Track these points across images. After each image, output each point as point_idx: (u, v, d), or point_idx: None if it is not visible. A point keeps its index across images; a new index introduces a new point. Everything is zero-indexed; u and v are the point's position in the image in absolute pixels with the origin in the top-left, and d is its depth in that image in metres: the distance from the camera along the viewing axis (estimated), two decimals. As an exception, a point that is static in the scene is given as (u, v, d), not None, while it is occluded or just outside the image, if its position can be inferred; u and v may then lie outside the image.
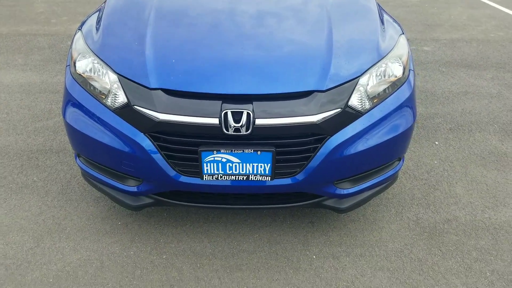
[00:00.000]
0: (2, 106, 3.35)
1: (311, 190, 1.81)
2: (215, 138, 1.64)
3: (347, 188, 1.86)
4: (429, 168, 2.68)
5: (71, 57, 1.94)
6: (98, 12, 2.20)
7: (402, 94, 1.87)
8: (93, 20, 2.12)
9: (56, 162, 2.68)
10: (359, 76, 1.74)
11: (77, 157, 2.00)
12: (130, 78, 1.70)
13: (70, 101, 1.87)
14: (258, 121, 1.60)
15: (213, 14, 2.02)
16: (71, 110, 1.86)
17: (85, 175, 2.01)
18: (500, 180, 2.58)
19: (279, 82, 1.66)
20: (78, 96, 1.84)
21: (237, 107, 1.59)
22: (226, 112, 1.59)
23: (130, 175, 1.82)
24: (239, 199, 1.88)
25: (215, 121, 1.60)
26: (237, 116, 1.59)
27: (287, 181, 1.73)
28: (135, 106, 1.66)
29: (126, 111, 1.69)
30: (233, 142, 1.64)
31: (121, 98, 1.71)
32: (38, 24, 5.41)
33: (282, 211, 2.25)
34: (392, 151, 1.88)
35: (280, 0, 2.15)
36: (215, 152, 1.64)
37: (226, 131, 1.60)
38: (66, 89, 1.90)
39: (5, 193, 2.40)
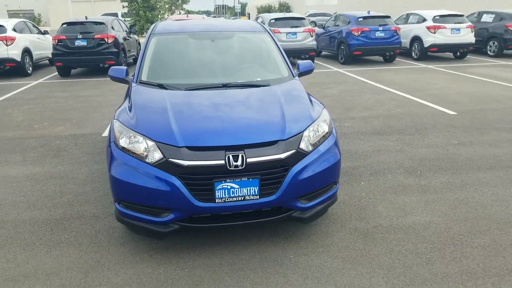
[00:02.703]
0: (17, 191, 4.02)
1: (284, 205, 2.78)
2: (222, 173, 2.61)
3: (306, 203, 2.86)
4: (359, 198, 3.77)
5: (115, 136, 2.88)
6: (126, 105, 3.21)
7: (330, 141, 3.02)
8: (124, 111, 3.12)
9: (79, 224, 3.38)
10: (302, 131, 2.87)
11: (118, 204, 2.82)
12: (164, 142, 2.67)
13: (116, 163, 2.76)
14: (249, 160, 2.62)
15: (210, 101, 3.14)
16: (117, 168, 2.74)
17: (124, 216, 2.81)
18: (407, 200, 3.72)
19: (259, 136, 2.73)
20: (123, 159, 2.74)
21: (235, 153, 2.61)
22: (229, 156, 2.60)
23: (163, 208, 2.68)
24: (237, 217, 2.78)
25: (222, 162, 2.59)
26: (235, 158, 2.60)
27: (268, 198, 2.70)
28: (169, 159, 2.61)
29: (162, 163, 2.63)
30: (234, 174, 2.62)
31: (158, 156, 2.65)
32: (22, 130, 6.18)
33: (265, 232, 3.15)
34: (329, 176, 2.96)
35: (249, 94, 3.33)
36: (223, 181, 2.60)
37: (229, 168, 2.59)
38: (112, 155, 2.80)
39: (46, 248, 3.05)
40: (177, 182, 2.60)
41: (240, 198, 2.66)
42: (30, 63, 11.70)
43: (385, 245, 3.02)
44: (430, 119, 6.41)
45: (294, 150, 2.75)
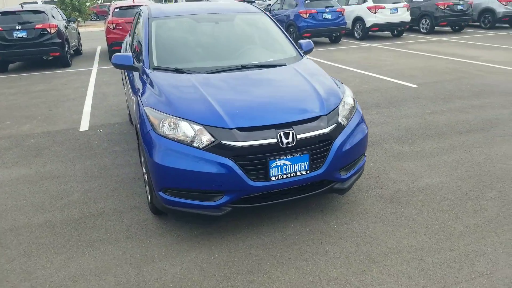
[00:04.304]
0: (14, 195, 3.66)
1: (328, 177, 2.88)
2: (275, 151, 2.63)
3: (345, 174, 2.99)
4: (369, 168, 4.00)
5: (152, 124, 2.75)
6: (149, 91, 3.07)
7: (357, 115, 3.16)
8: (151, 97, 2.98)
9: (104, 221, 3.20)
10: (337, 106, 2.98)
11: (164, 192, 2.72)
12: (213, 125, 2.62)
13: (160, 150, 2.65)
14: (299, 136, 2.67)
15: (239, 82, 3.11)
16: (163, 156, 2.64)
17: (171, 204, 2.73)
18: (411, 166, 4.02)
19: (304, 113, 2.78)
20: (168, 146, 2.64)
21: (285, 130, 2.65)
22: (280, 133, 2.63)
23: (216, 191, 2.64)
24: (285, 194, 2.83)
25: (274, 140, 2.61)
26: (286, 135, 2.64)
27: (316, 172, 2.79)
28: (222, 142, 2.57)
29: (213, 147, 2.58)
30: (286, 151, 2.66)
31: (207, 139, 2.60)
32: (-17, 131, 5.55)
33: (299, 209, 3.23)
34: (362, 147, 3.11)
35: (273, 73, 3.34)
36: (276, 159, 2.63)
37: (281, 145, 2.62)
38: (153, 142, 2.68)
39: (80, 249, 2.86)
40: (231, 164, 2.58)
41: (292, 174, 2.71)
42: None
43: (412, 206, 3.27)
44: (396, 92, 6.86)
45: (336, 124, 2.85)
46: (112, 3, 12.81)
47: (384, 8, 13.59)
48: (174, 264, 2.66)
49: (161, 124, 2.72)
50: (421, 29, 15.01)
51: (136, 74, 3.70)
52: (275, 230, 3.00)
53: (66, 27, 11.11)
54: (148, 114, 2.84)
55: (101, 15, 35.51)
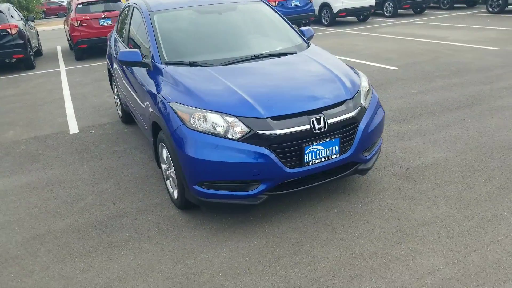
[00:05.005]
0: (24, 204, 3.52)
1: (355, 159, 2.99)
2: (308, 137, 2.70)
3: (368, 155, 3.11)
4: (376, 149, 4.16)
5: (181, 118, 2.74)
6: (169, 86, 3.03)
7: (374, 98, 3.27)
8: (174, 92, 2.95)
9: (131, 220, 3.16)
10: (358, 89, 3.08)
11: (199, 186, 2.73)
12: (247, 116, 2.64)
13: (194, 144, 2.65)
14: (329, 121, 2.75)
15: (260, 72, 3.14)
16: (198, 150, 2.64)
17: (208, 197, 2.74)
18: (415, 144, 4.22)
19: (331, 98, 2.86)
20: (201, 139, 2.65)
21: (317, 116, 2.72)
22: (313, 120, 2.70)
23: (252, 181, 2.68)
24: (316, 178, 2.91)
25: (308, 126, 2.68)
26: (318, 121, 2.71)
27: (345, 155, 2.89)
28: (257, 132, 2.61)
29: (249, 137, 2.61)
30: (319, 136, 2.73)
31: (241, 130, 2.62)
32: (-35, 140, 5.24)
33: (321, 193, 3.34)
34: (381, 128, 3.24)
35: (289, 61, 3.38)
36: (311, 145, 2.70)
37: (314, 131, 2.69)
38: (186, 137, 2.67)
39: (115, 250, 2.82)
40: (267, 152, 2.63)
41: (324, 159, 2.79)
42: None
43: (426, 181, 3.45)
44: (379, 75, 7.09)
45: (360, 107, 2.96)
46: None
47: (351, -7, 13.89)
48: (216, 254, 2.69)
49: (191, 118, 2.71)
50: (385, 13, 15.46)
51: (141, 71, 3.62)
52: (304, 214, 3.08)
53: (25, 27, 10.56)
54: (175, 109, 2.82)
55: (50, 13, 33.56)
